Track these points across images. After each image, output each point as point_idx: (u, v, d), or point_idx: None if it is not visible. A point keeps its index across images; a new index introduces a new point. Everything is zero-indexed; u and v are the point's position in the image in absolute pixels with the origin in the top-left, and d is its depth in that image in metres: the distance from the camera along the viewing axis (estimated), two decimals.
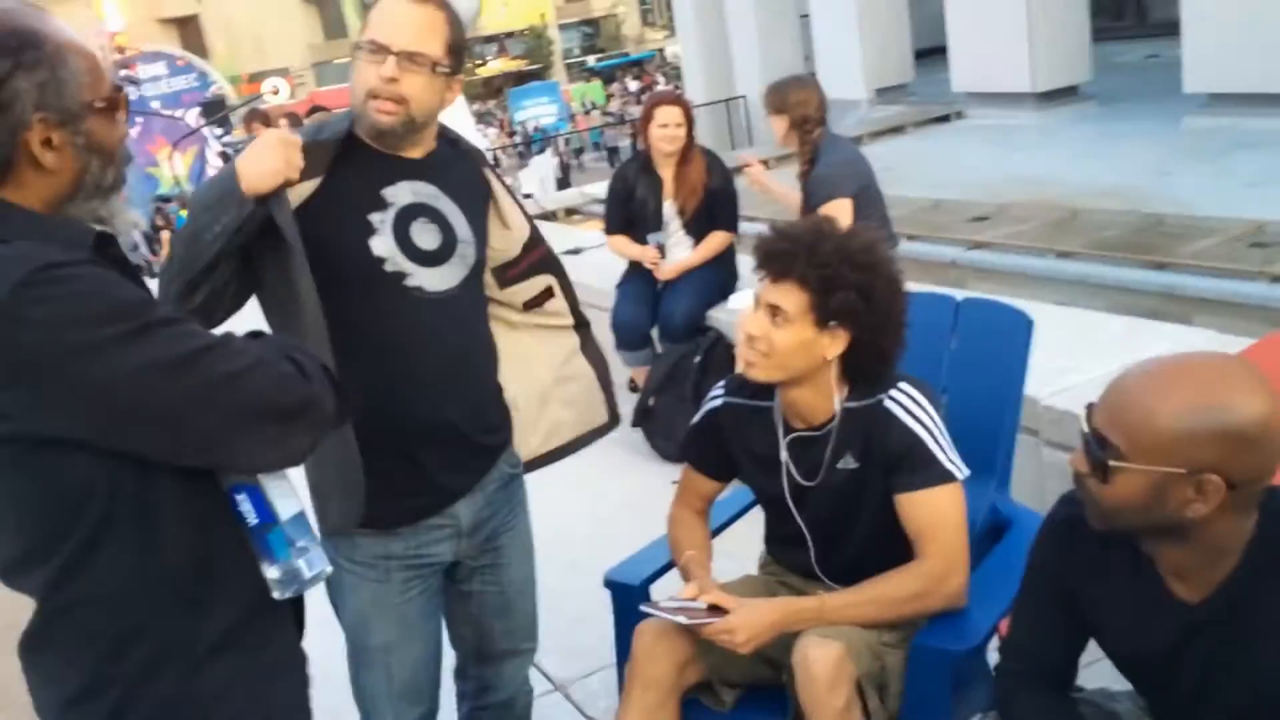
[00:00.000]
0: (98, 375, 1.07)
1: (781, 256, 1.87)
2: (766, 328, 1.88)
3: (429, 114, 1.80)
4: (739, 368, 3.86)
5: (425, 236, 1.82)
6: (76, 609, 1.16)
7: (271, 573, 1.33)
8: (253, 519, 1.31)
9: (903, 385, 1.93)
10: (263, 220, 1.64)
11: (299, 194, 1.71)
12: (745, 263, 4.32)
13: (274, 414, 1.19)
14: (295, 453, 1.24)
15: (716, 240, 4.32)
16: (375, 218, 1.78)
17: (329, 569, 1.40)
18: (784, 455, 2.01)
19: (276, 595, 1.35)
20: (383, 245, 1.78)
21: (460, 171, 1.93)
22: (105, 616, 1.16)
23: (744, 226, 4.83)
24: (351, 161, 1.80)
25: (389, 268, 1.78)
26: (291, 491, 1.35)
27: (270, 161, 1.60)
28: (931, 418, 1.90)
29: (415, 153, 1.85)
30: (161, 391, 1.11)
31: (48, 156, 1.14)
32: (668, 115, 4.22)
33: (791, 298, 1.86)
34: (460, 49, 1.82)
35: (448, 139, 1.95)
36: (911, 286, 2.01)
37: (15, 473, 1.12)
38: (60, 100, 1.14)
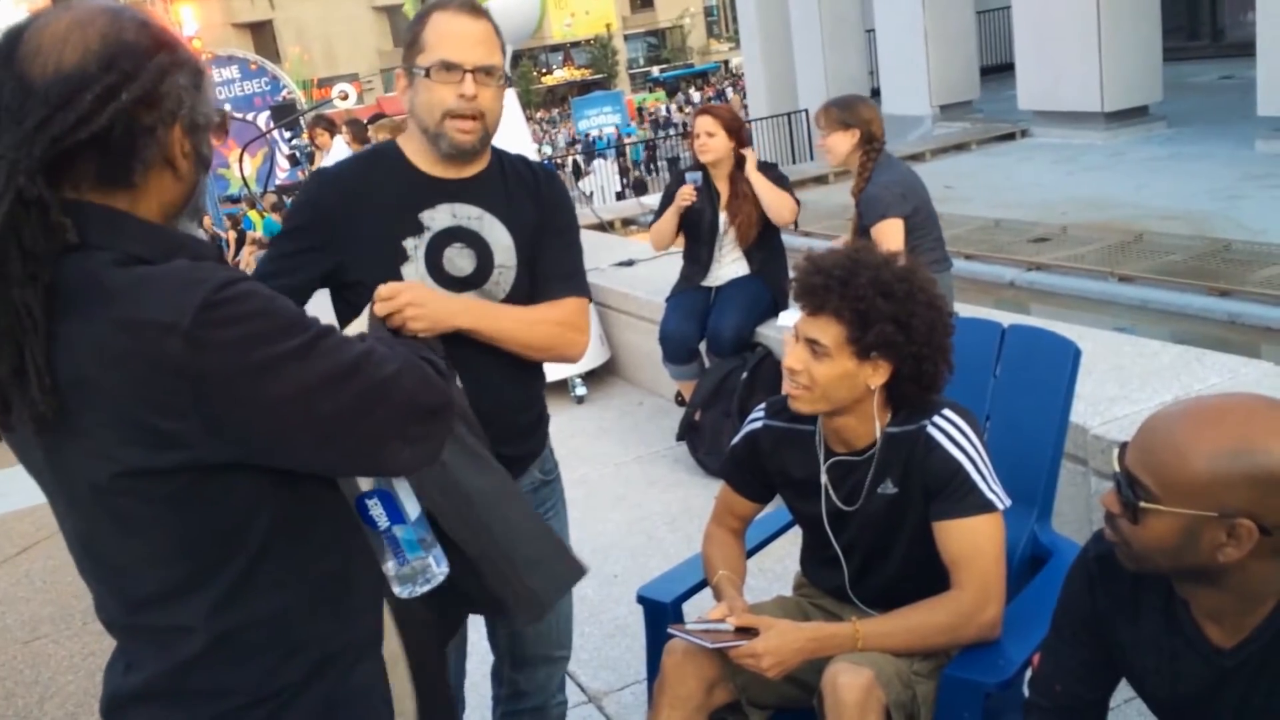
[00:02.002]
0: (275, 392, 1.06)
1: (816, 291, 1.85)
2: (807, 361, 1.87)
3: (497, 124, 1.85)
4: (785, 387, 3.86)
5: (459, 261, 1.83)
6: (240, 633, 1.14)
7: (401, 571, 1.37)
8: (384, 522, 1.35)
9: (946, 412, 1.91)
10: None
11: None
12: None
13: (420, 415, 1.19)
14: (433, 452, 1.24)
15: (785, 198, 4.18)
16: (409, 243, 1.81)
17: (448, 568, 1.44)
18: (824, 479, 2.00)
19: (404, 594, 1.40)
20: (413, 271, 1.81)
21: (519, 192, 1.91)
22: (268, 635, 1.16)
23: (799, 241, 4.83)
24: (396, 183, 1.83)
25: None
26: (412, 493, 1.39)
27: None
28: (974, 445, 1.88)
29: (470, 170, 1.87)
30: (331, 402, 1.10)
31: (183, 162, 1.13)
32: (700, 125, 4.24)
33: (828, 332, 1.85)
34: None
35: (505, 159, 1.95)
36: (961, 310, 1.99)
37: (179, 505, 1.09)
38: (201, 105, 1.14)
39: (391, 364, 1.16)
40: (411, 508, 1.38)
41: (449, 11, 1.79)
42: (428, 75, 1.78)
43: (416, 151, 1.85)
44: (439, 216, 1.83)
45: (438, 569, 1.41)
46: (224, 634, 1.13)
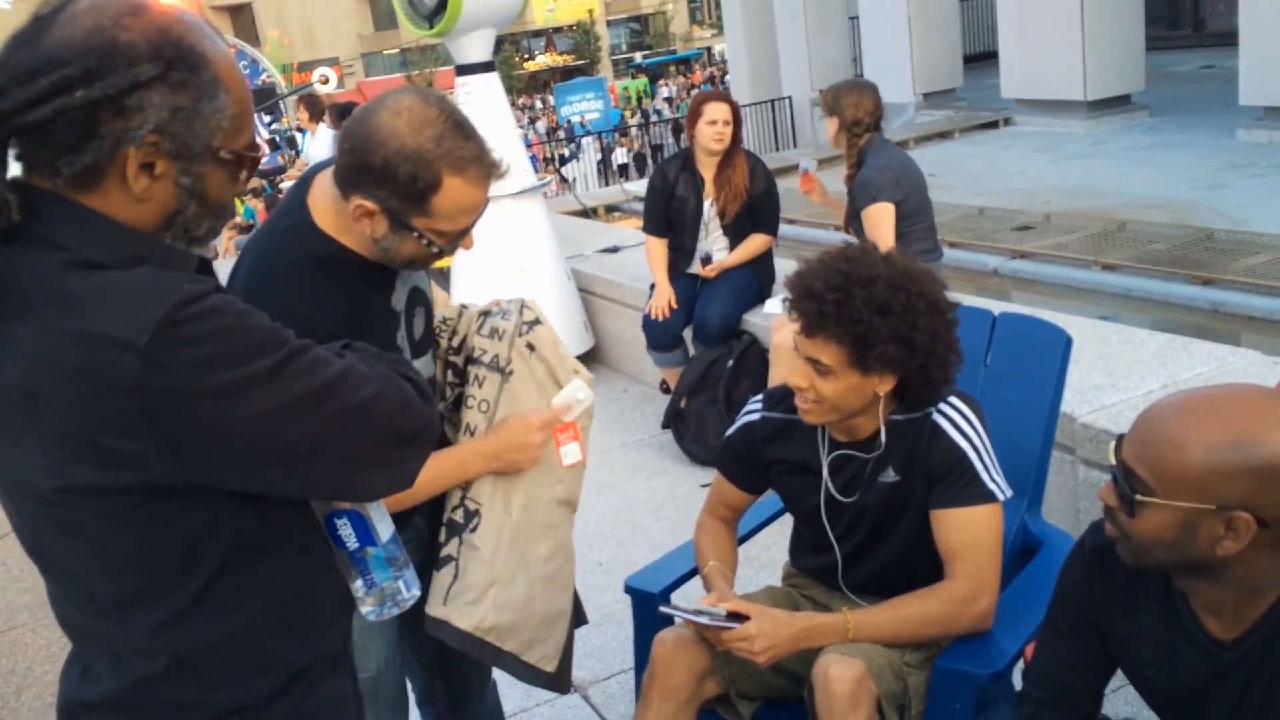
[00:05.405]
0: (238, 417, 1.00)
1: (810, 315, 1.79)
2: (812, 379, 1.83)
3: None
4: (772, 376, 3.85)
5: (418, 323, 1.76)
6: (199, 653, 1.10)
7: (369, 594, 1.33)
8: (353, 543, 1.29)
9: (952, 399, 1.88)
10: None
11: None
12: (783, 266, 4.29)
13: (397, 439, 1.14)
14: (409, 476, 1.18)
15: (756, 242, 4.29)
16: (400, 336, 1.70)
17: (419, 591, 1.40)
18: (825, 470, 1.98)
19: (373, 617, 1.35)
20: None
21: None
22: (229, 655, 1.12)
23: (784, 229, 4.81)
24: (364, 289, 1.64)
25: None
26: (386, 513, 1.34)
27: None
28: (979, 434, 1.86)
29: None
30: (300, 427, 1.04)
31: (140, 181, 1.03)
32: (716, 112, 4.18)
33: (828, 352, 1.79)
34: None
35: None
36: (950, 298, 1.96)
37: (130, 523, 1.03)
38: (187, 133, 1.03)
39: (370, 386, 1.10)
40: (384, 528, 1.32)
41: (468, 182, 1.51)
42: (429, 245, 1.55)
43: (356, 240, 1.59)
44: (399, 296, 1.70)
45: (408, 592, 1.36)
46: (183, 655, 1.09)
